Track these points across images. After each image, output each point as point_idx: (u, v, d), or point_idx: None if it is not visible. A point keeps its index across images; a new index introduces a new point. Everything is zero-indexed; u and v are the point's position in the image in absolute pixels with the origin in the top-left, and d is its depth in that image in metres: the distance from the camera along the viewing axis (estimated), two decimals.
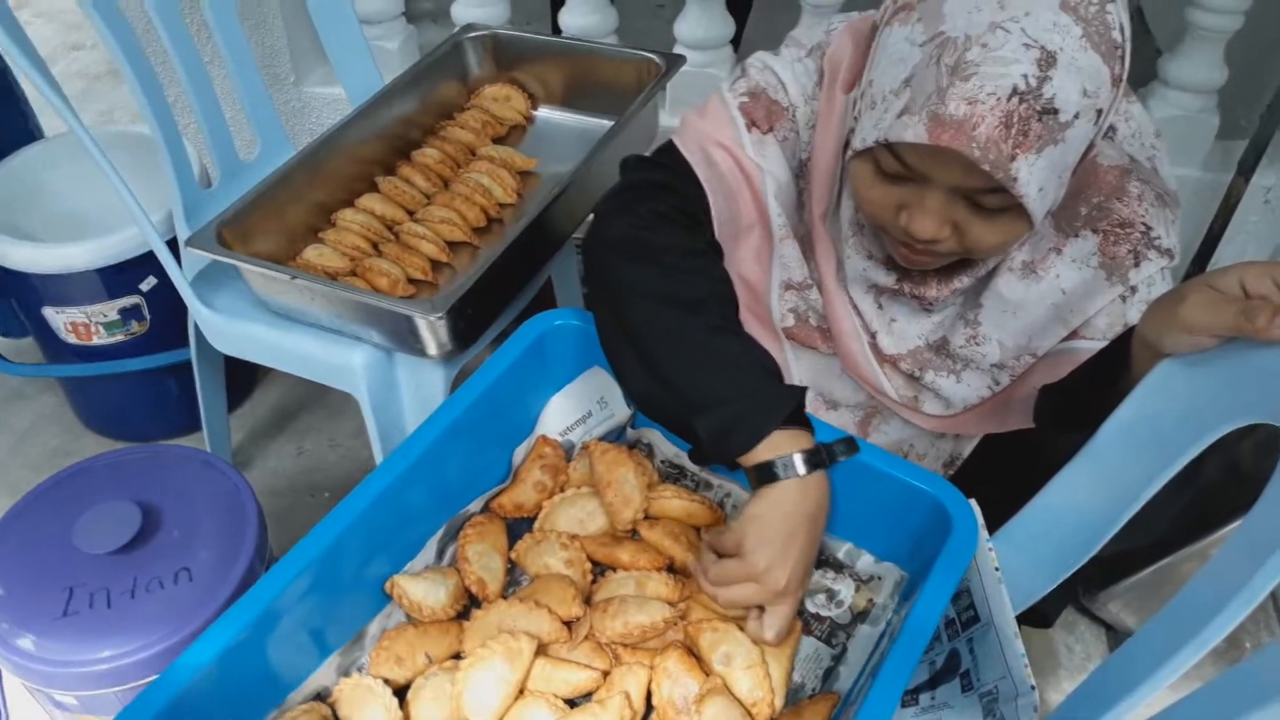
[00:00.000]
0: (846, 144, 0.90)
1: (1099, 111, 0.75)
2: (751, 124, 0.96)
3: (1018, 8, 0.71)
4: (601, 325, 0.91)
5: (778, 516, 0.79)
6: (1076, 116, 0.73)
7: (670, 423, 0.87)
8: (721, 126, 0.97)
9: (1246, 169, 1.73)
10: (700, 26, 1.81)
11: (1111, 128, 0.92)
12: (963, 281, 0.91)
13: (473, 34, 1.51)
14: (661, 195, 0.93)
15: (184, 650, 0.73)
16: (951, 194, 0.79)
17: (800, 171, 0.98)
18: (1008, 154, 0.72)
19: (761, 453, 0.80)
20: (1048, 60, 0.71)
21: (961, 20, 0.73)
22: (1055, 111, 0.72)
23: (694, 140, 0.97)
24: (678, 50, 1.75)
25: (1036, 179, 0.74)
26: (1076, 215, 0.89)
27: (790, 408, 0.80)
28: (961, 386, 0.96)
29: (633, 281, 0.87)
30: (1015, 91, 0.71)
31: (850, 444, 0.84)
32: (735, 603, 0.82)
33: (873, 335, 0.98)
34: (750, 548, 0.79)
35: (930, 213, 0.80)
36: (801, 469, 0.79)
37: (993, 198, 0.77)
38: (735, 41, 1.95)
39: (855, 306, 0.98)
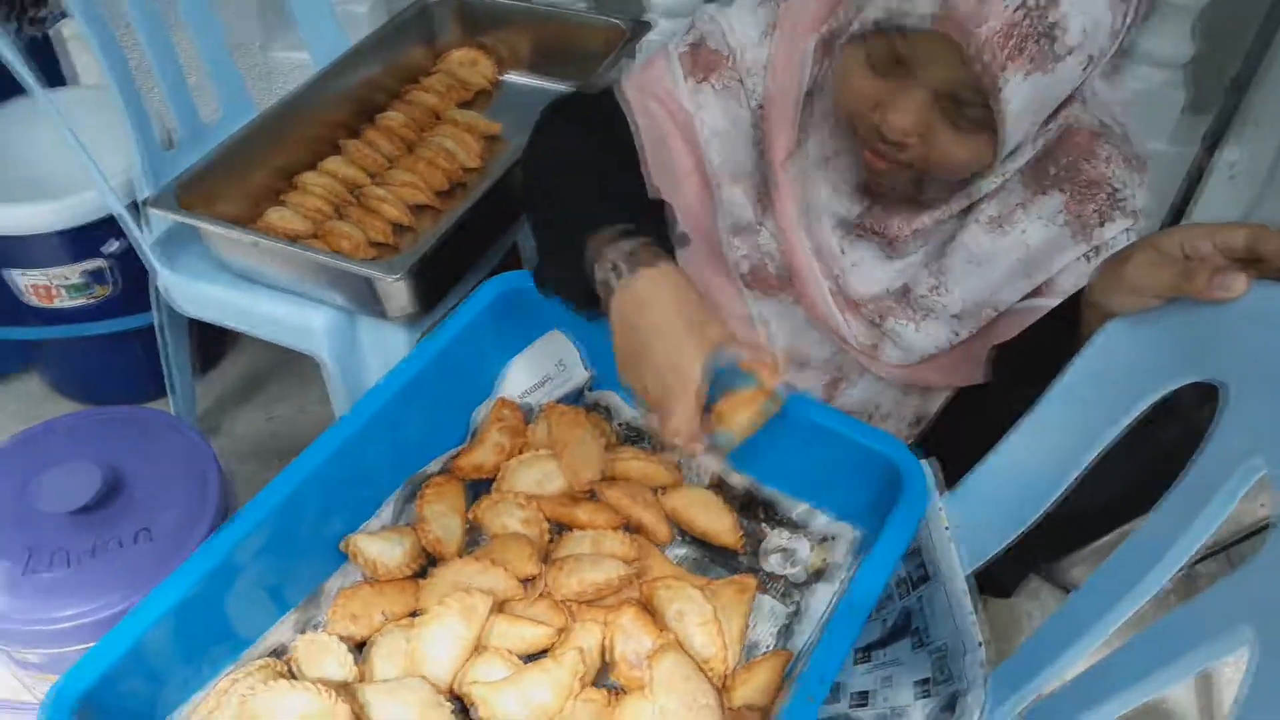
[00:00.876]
0: (810, 90, 0.92)
1: (1090, 59, 0.76)
2: (689, 73, 0.98)
3: None
4: (531, 225, 0.99)
5: (625, 335, 0.82)
6: (1070, 52, 0.74)
7: (540, 258, 0.96)
8: (660, 76, 1.00)
9: (1212, 143, 1.74)
10: None
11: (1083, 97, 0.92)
12: (923, 222, 0.92)
13: None
14: (585, 109, 1.02)
15: None
16: (933, 96, 0.79)
17: (755, 119, 0.98)
18: (1000, 61, 0.73)
19: (597, 274, 0.84)
20: None
21: None
22: (1054, 38, 0.73)
23: (633, 89, 1.01)
24: (649, 17, 1.74)
25: (1018, 100, 0.75)
26: (1045, 174, 0.90)
27: (621, 223, 0.85)
28: (920, 335, 0.97)
29: (548, 179, 0.97)
30: (1024, 4, 0.72)
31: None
32: (672, 431, 0.79)
33: (835, 279, 0.99)
34: (627, 379, 0.83)
35: (907, 110, 0.80)
36: (623, 272, 0.81)
37: (970, 110, 0.78)
38: None
39: (818, 250, 0.99)
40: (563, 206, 0.94)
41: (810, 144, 0.94)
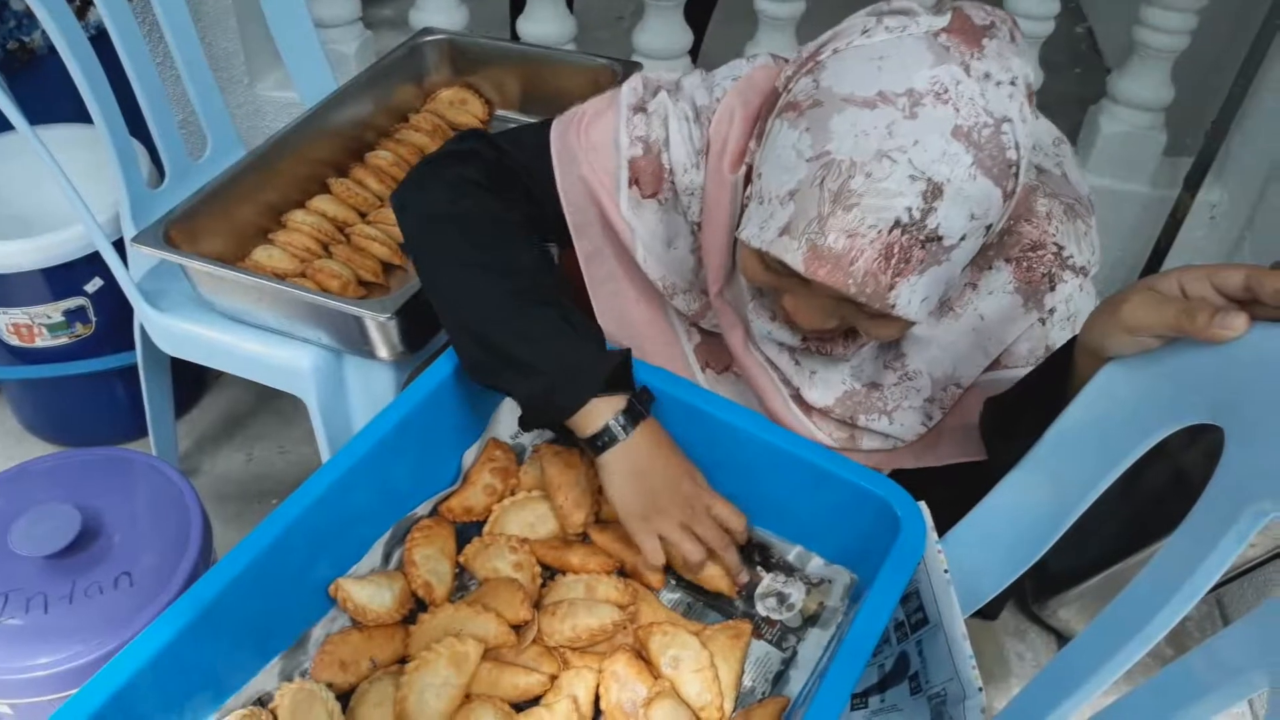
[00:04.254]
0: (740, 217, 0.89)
1: (988, 227, 0.75)
2: (634, 181, 0.94)
3: (906, 136, 0.69)
4: (426, 290, 0.93)
5: (627, 485, 0.85)
6: (963, 238, 0.73)
7: (497, 387, 0.89)
8: (603, 171, 0.94)
9: (1193, 185, 1.76)
10: (659, 37, 1.82)
11: None
12: (866, 337, 0.89)
13: (430, 38, 1.50)
14: (473, 162, 0.94)
15: None
16: (836, 299, 0.78)
17: (694, 244, 0.95)
18: (886, 284, 0.72)
19: (585, 423, 0.83)
20: (934, 192, 0.70)
21: (848, 143, 0.70)
22: (940, 239, 0.71)
23: (569, 168, 0.96)
24: (636, 58, 1.76)
25: (918, 295, 0.74)
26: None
27: (605, 375, 0.83)
28: (895, 426, 0.94)
29: (441, 248, 0.90)
30: (898, 224, 0.70)
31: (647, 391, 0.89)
32: (684, 568, 0.88)
33: (795, 390, 0.96)
34: (632, 530, 0.85)
35: (815, 310, 0.80)
36: (623, 433, 0.84)
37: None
38: (694, 52, 1.96)
39: (771, 363, 0.96)
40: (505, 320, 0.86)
41: (741, 277, 0.90)
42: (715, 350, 1.02)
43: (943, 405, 0.93)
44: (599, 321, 1.02)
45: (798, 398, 0.96)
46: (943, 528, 0.83)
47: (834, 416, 0.96)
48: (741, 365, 0.98)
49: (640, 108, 0.95)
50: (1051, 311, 0.88)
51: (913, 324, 0.78)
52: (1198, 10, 1.67)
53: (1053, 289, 0.87)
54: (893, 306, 0.73)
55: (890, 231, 0.70)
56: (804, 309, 0.81)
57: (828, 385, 0.95)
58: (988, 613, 0.86)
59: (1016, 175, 0.74)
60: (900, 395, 0.93)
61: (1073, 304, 0.89)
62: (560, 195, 0.96)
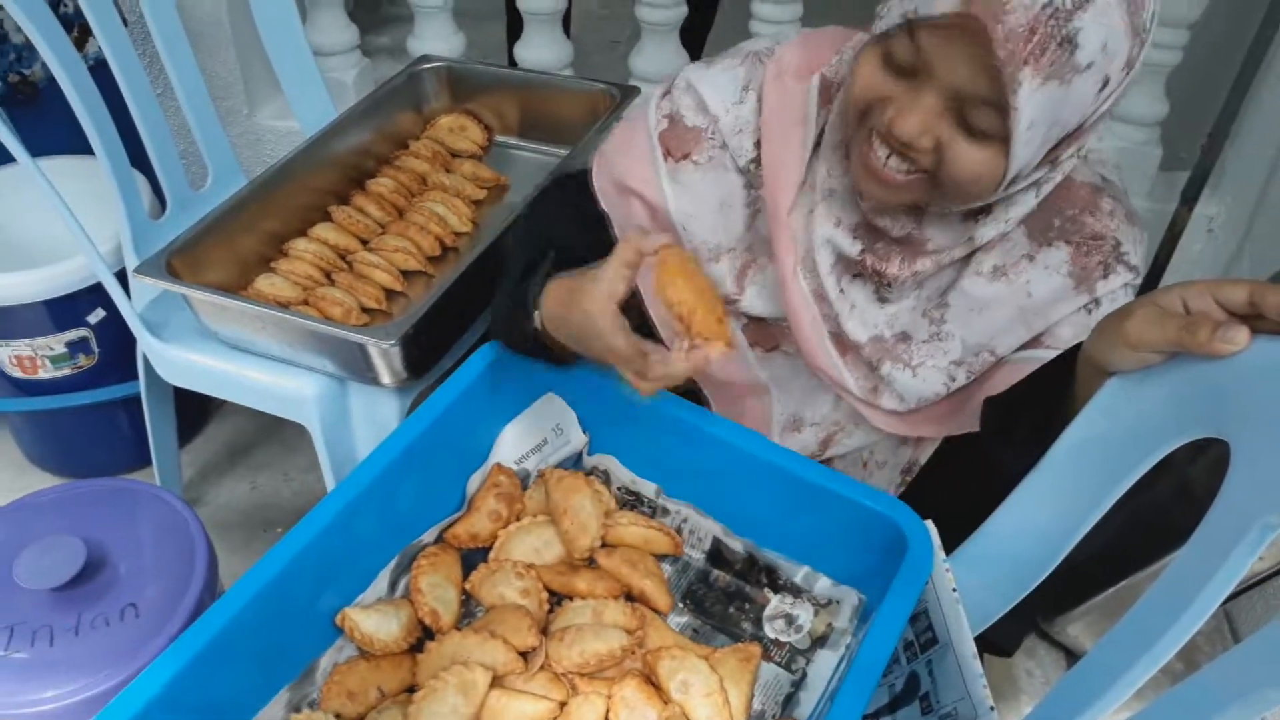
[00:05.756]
0: (818, 140, 0.93)
1: (1105, 80, 0.75)
2: (668, 152, 0.98)
3: None
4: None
5: (563, 333, 0.87)
6: (1089, 66, 0.74)
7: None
8: (639, 161, 1.00)
9: (1190, 199, 1.76)
10: (655, 61, 1.83)
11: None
12: (924, 264, 0.91)
13: (428, 65, 1.51)
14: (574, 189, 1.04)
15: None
16: (947, 101, 0.78)
17: (749, 179, 0.97)
18: (1021, 57, 0.72)
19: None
20: None
21: None
22: (1075, 46, 0.72)
23: (609, 178, 1.03)
24: (633, 84, 1.77)
25: (1032, 109, 0.74)
26: (1050, 226, 0.90)
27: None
28: (918, 381, 0.95)
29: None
30: (1050, 3, 0.71)
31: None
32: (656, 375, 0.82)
33: (834, 320, 0.97)
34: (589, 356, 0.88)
35: (918, 111, 0.79)
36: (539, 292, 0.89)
37: (984, 116, 0.76)
38: None
39: (817, 293, 0.97)
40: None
41: (817, 178, 0.93)
42: (762, 331, 1.04)
43: (970, 370, 0.94)
44: (652, 313, 1.02)
45: (835, 336, 0.98)
46: (950, 545, 0.83)
47: (863, 355, 0.97)
48: (786, 296, 0.98)
49: (665, 93, 1.01)
50: (1098, 301, 0.90)
51: (998, 172, 0.79)
52: (1189, 25, 1.67)
53: (1105, 278, 0.89)
54: (1017, 90, 0.72)
55: (1042, 9, 0.71)
56: (906, 114, 0.79)
57: (864, 322, 0.97)
58: (1004, 649, 0.85)
59: (1142, 45, 0.76)
60: (926, 353, 0.95)
61: (1117, 301, 0.90)
62: (598, 196, 1.04)
